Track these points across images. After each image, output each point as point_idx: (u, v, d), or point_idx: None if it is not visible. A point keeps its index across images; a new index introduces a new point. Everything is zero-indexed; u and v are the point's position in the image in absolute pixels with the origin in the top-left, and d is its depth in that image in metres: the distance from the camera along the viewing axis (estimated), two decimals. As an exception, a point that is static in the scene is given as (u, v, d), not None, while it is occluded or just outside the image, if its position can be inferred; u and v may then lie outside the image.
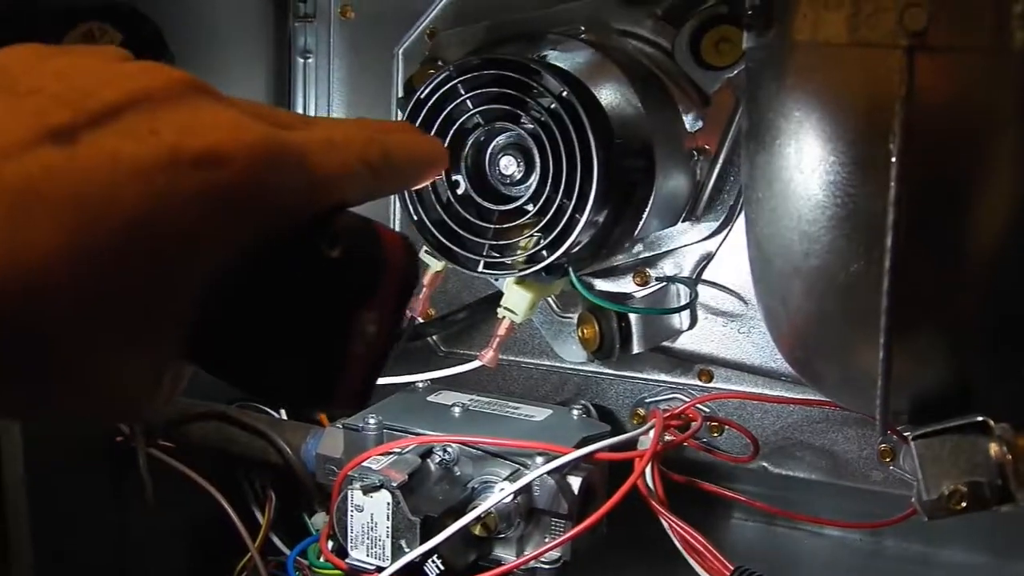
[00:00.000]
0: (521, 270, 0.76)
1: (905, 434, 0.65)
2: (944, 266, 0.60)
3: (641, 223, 0.80)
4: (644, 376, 0.93)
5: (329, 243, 0.35)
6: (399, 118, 0.78)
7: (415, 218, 0.77)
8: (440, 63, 0.86)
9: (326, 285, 0.35)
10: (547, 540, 0.76)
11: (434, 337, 0.99)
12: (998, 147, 0.58)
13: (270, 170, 0.33)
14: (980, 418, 0.62)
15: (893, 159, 0.55)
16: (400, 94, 0.95)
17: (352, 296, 0.36)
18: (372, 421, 0.80)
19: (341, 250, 0.35)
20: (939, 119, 0.56)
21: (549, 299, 0.91)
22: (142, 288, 0.30)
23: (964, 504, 0.62)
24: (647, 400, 0.93)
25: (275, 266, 0.34)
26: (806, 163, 0.60)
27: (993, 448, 0.61)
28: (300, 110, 1.04)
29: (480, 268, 0.76)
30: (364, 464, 0.76)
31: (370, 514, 0.74)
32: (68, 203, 0.28)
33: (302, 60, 1.04)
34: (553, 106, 0.72)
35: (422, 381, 0.91)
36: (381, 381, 0.88)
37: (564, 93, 0.72)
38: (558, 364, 0.96)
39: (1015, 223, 0.60)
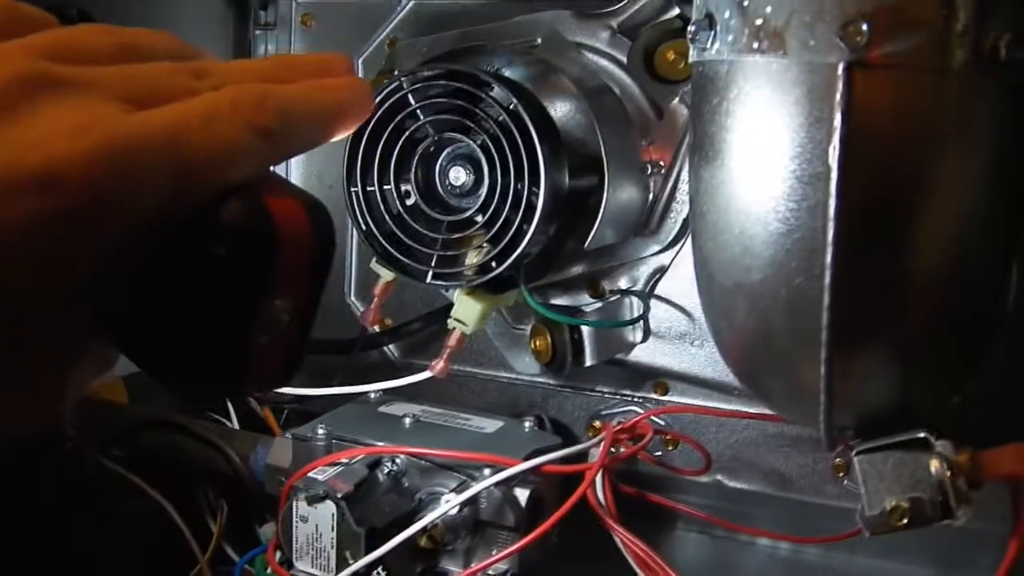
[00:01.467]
0: (470, 281, 0.76)
1: (851, 451, 0.65)
2: (885, 282, 0.60)
3: (591, 236, 0.80)
4: (600, 389, 0.93)
5: (214, 239, 0.32)
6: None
7: (363, 228, 0.77)
8: (396, 72, 0.86)
9: (215, 282, 0.33)
10: (494, 552, 0.75)
11: (392, 348, 0.99)
12: (938, 164, 0.58)
13: (121, 173, 0.29)
14: (922, 434, 0.62)
15: (833, 174, 0.55)
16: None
17: (246, 289, 0.34)
18: (321, 431, 0.80)
19: (228, 247, 0.33)
20: (878, 135, 0.57)
21: (502, 310, 0.91)
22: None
23: (905, 520, 0.62)
24: (603, 413, 0.93)
25: (159, 263, 0.32)
26: (748, 178, 0.60)
27: (934, 465, 0.61)
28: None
29: (429, 279, 0.76)
30: (310, 475, 0.75)
31: (315, 525, 0.74)
32: None
33: (264, 45, 1.04)
34: (502, 118, 0.72)
35: (374, 392, 0.90)
36: (332, 391, 0.88)
37: (512, 106, 0.72)
38: (514, 376, 0.95)
39: (955, 239, 0.60)
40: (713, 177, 0.62)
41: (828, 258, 0.56)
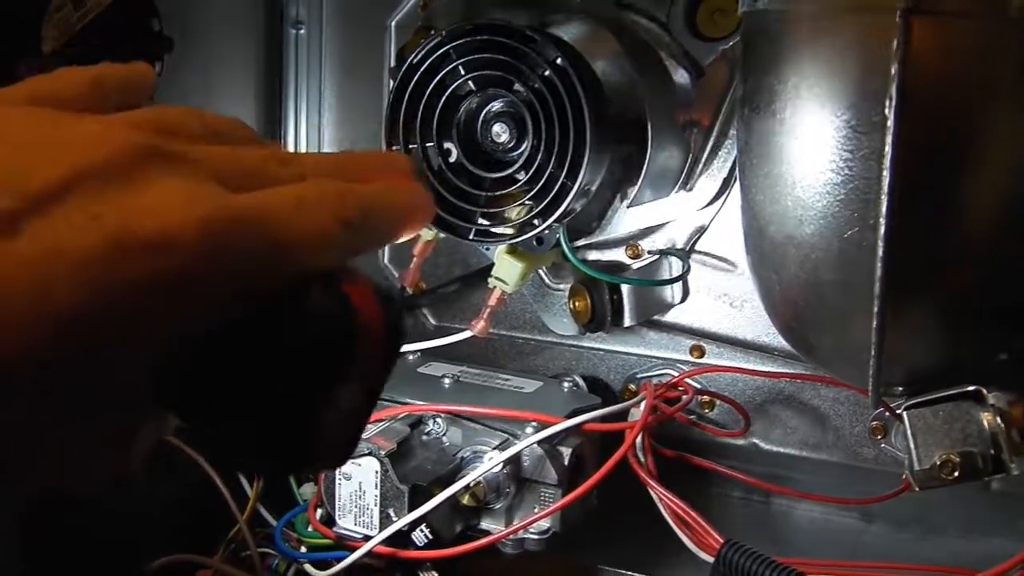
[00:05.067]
0: (512, 239, 0.75)
1: (898, 409, 0.65)
2: (939, 234, 0.59)
3: (633, 193, 0.79)
4: (635, 351, 0.93)
5: (297, 322, 0.33)
6: (390, 87, 0.77)
7: (406, 185, 0.77)
8: (433, 31, 0.85)
9: (291, 368, 0.33)
10: (536, 510, 0.75)
11: (425, 311, 0.99)
12: (994, 113, 0.58)
13: (224, 248, 0.30)
14: (973, 387, 0.62)
15: (889, 123, 0.55)
16: (392, 65, 0.94)
17: (323, 374, 0.34)
18: (361, 391, 0.80)
19: (309, 332, 0.33)
20: (935, 84, 0.56)
21: (541, 271, 0.91)
22: (83, 373, 0.29)
23: (956, 474, 0.62)
24: (638, 376, 0.92)
25: (239, 342, 0.32)
26: (801, 128, 0.59)
27: (986, 418, 0.61)
28: (292, 81, 1.03)
29: (471, 236, 0.76)
30: (353, 433, 0.75)
31: (358, 482, 0.74)
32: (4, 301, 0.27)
33: (294, 31, 1.03)
34: (547, 73, 0.71)
35: (412, 352, 0.90)
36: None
37: (559, 60, 0.71)
38: (549, 339, 0.95)
39: (1009, 191, 0.60)
40: (764, 129, 0.61)
41: (884, 208, 0.56)
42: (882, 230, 0.57)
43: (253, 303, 0.32)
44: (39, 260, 0.27)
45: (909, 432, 0.63)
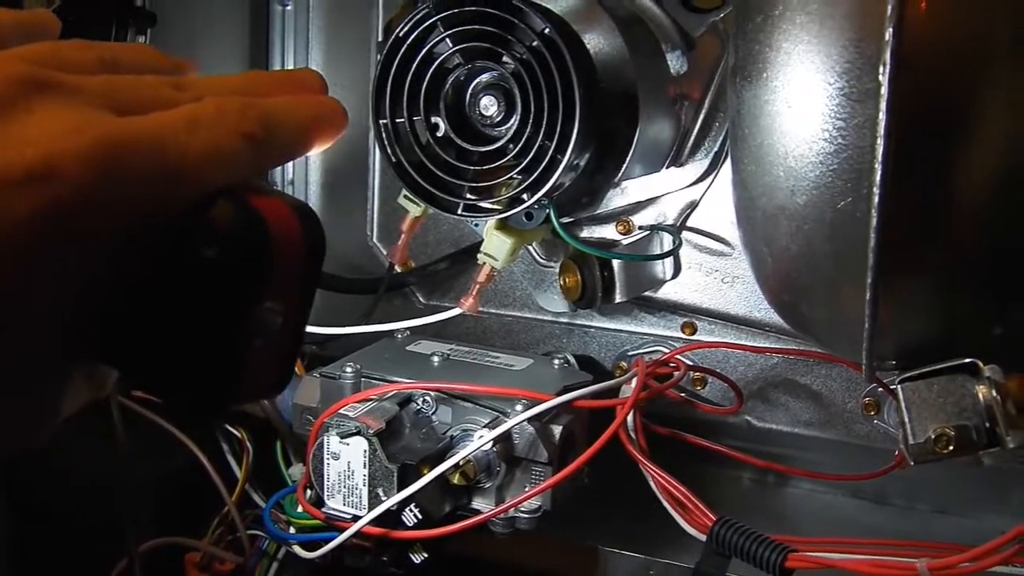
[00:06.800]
0: (501, 214, 0.74)
1: (891, 385, 0.64)
2: (933, 205, 0.58)
3: (623, 168, 0.78)
4: (626, 328, 0.92)
5: (206, 242, 0.32)
6: (379, 59, 0.76)
7: (393, 160, 0.76)
8: (420, 3, 0.84)
9: (208, 286, 0.32)
10: (527, 488, 0.74)
11: (414, 289, 0.98)
12: (990, 81, 0.57)
13: (115, 173, 0.30)
14: (969, 360, 0.61)
15: (883, 90, 0.54)
16: (380, 39, 0.93)
17: (239, 293, 0.33)
18: (349, 369, 0.79)
19: (219, 249, 0.32)
20: (930, 50, 0.55)
21: (531, 247, 0.90)
22: None
23: (951, 448, 0.61)
24: (629, 353, 0.92)
25: (150, 268, 0.32)
26: (794, 96, 0.58)
27: (982, 390, 0.60)
28: (278, 58, 1.02)
29: (460, 211, 0.75)
30: (341, 411, 0.74)
31: (347, 462, 0.73)
32: None
33: (280, 7, 1.02)
34: (535, 44, 0.70)
35: (401, 330, 0.89)
36: (361, 330, 0.87)
37: (547, 31, 0.70)
38: (540, 316, 0.94)
39: (1004, 162, 0.59)
40: (756, 97, 0.60)
41: (877, 177, 0.55)
42: (875, 200, 0.55)
43: (159, 227, 0.31)
44: None
45: (904, 406, 0.62)
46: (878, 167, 0.55)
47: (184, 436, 0.85)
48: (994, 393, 0.59)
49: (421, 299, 0.98)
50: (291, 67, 1.02)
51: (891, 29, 0.53)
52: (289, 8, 1.01)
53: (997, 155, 0.58)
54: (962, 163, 0.58)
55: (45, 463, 0.80)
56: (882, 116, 0.54)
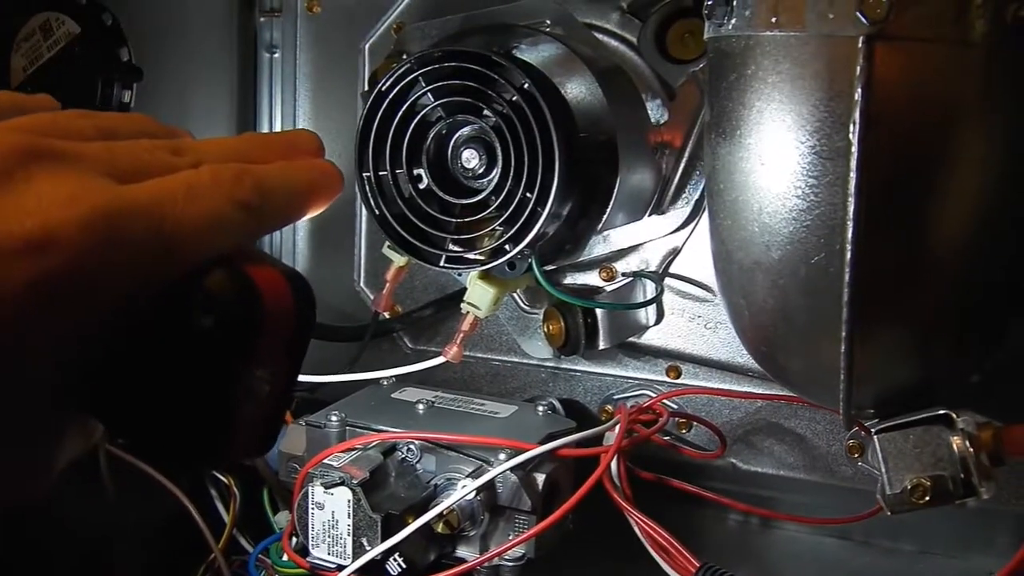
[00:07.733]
0: (484, 265, 0.75)
1: (872, 431, 0.65)
2: (906, 258, 0.59)
3: (605, 217, 0.79)
4: (612, 373, 0.92)
5: (201, 309, 0.33)
6: (362, 112, 0.76)
7: (376, 212, 0.77)
8: (404, 56, 0.85)
9: (201, 353, 0.33)
10: (511, 537, 0.75)
11: (402, 334, 0.99)
12: (958, 138, 0.58)
13: (113, 241, 0.30)
14: (943, 411, 0.61)
15: (853, 148, 0.55)
16: (364, 89, 0.94)
17: (231, 360, 0.34)
18: (335, 418, 0.79)
19: (215, 318, 0.33)
20: (899, 109, 0.56)
21: (515, 294, 0.90)
22: None
23: (927, 498, 0.62)
24: (615, 397, 0.92)
25: (144, 332, 0.32)
26: (767, 154, 0.59)
27: (956, 441, 0.61)
28: (266, 105, 1.03)
29: (443, 263, 0.76)
30: (325, 461, 0.75)
31: (331, 512, 0.73)
32: None
33: (268, 55, 1.03)
34: (515, 98, 0.71)
35: (387, 378, 0.90)
36: (344, 378, 0.87)
37: (526, 85, 0.71)
38: (526, 361, 0.95)
39: (976, 215, 0.59)
40: (731, 154, 0.61)
41: (849, 234, 0.56)
42: (848, 256, 0.56)
43: (155, 294, 0.32)
44: None
45: (880, 456, 0.63)
46: (850, 224, 0.56)
47: (171, 483, 0.85)
48: (967, 445, 0.60)
49: (408, 344, 0.99)
50: (279, 113, 1.04)
51: (860, 89, 0.54)
52: (277, 56, 1.02)
53: (968, 209, 0.59)
54: (933, 217, 0.59)
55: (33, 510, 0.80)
56: (853, 174, 0.55)
